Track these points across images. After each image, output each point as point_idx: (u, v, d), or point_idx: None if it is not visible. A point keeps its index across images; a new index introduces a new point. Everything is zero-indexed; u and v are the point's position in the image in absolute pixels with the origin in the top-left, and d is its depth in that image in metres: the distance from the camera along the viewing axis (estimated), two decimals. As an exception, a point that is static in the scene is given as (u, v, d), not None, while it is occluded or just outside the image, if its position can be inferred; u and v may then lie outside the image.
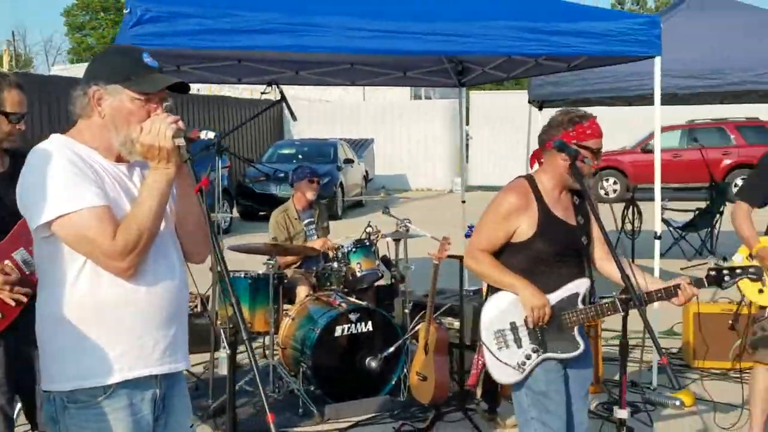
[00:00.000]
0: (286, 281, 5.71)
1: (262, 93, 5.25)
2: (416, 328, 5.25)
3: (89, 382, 2.16)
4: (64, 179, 2.11)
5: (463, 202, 8.04)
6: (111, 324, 2.17)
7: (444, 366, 4.76)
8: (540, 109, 8.42)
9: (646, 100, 8.00)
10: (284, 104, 5.18)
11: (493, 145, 21.82)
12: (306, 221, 6.23)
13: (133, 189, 2.26)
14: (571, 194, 3.16)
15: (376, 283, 6.12)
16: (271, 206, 7.25)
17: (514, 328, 3.08)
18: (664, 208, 9.08)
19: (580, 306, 3.06)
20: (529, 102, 8.10)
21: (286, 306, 5.68)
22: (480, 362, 3.27)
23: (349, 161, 17.50)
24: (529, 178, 3.15)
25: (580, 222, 3.13)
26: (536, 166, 3.21)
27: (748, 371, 5.51)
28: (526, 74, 6.86)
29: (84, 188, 2.12)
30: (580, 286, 3.08)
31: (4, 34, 64.63)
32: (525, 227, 3.05)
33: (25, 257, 3.02)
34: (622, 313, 2.82)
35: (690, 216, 10.13)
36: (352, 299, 5.43)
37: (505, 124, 21.61)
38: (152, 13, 4.26)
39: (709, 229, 9.96)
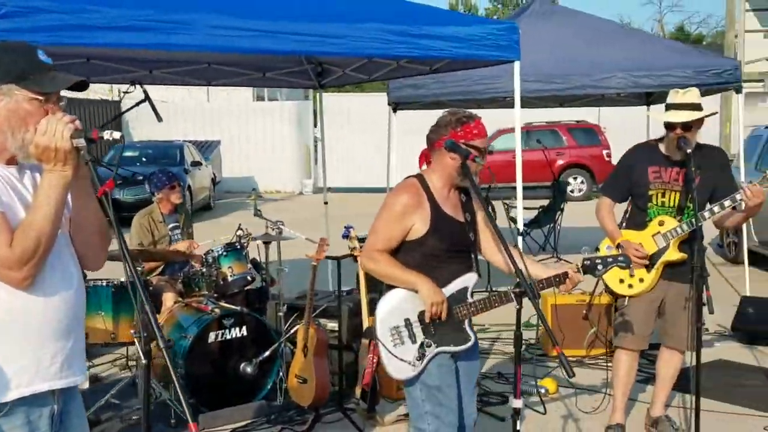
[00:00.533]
0: (151, 288, 5.49)
1: (124, 93, 5.00)
2: (292, 331, 5.22)
3: None
4: None
5: (326, 203, 8.07)
6: (7, 338, 2.03)
7: (324, 367, 4.76)
8: (395, 111, 8.62)
9: (496, 102, 8.40)
10: (149, 104, 4.98)
11: (352, 147, 22.04)
12: (171, 225, 6.02)
13: (25, 193, 2.13)
14: (459, 192, 3.26)
15: (246, 288, 6.01)
16: (116, 212, 6.91)
17: (408, 324, 3.14)
18: (510, 207, 9.53)
19: (470, 299, 3.16)
20: (388, 104, 8.25)
21: (151, 314, 5.46)
22: (374, 361, 3.30)
23: (196, 164, 17.04)
24: (419, 177, 3.23)
25: (467, 219, 3.24)
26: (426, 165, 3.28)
27: (602, 357, 5.94)
28: (388, 76, 6.98)
29: None
30: (468, 280, 3.19)
31: None
32: (419, 225, 3.12)
33: None
34: (517, 306, 2.94)
35: (533, 213, 10.70)
36: (225, 304, 5.31)
37: (366, 126, 21.92)
38: (8, 8, 3.96)
39: (552, 226, 10.56)
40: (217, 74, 7.32)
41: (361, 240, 5.34)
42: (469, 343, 3.19)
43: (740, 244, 8.80)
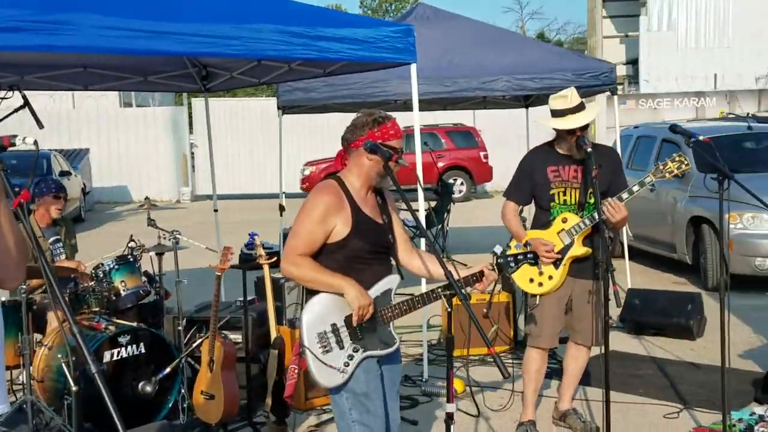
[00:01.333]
0: (34, 308, 5.10)
1: (2, 98, 4.63)
2: (194, 345, 4.99)
3: None
4: None
5: (216, 210, 7.82)
6: None
7: (233, 381, 4.58)
8: (282, 114, 8.49)
9: (386, 105, 8.42)
10: (29, 111, 4.62)
11: (237, 153, 21.58)
12: (51, 239, 5.63)
13: None
14: (375, 194, 3.21)
15: (140, 302, 5.71)
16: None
17: (335, 329, 3.05)
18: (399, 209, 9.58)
19: (393, 302, 3.11)
20: (278, 107, 8.09)
21: (36, 335, 5.09)
22: (296, 371, 3.20)
23: (65, 173, 16.15)
24: (338, 179, 3.16)
25: (384, 220, 3.20)
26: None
27: (504, 354, 6.05)
28: (279, 80, 6.83)
29: None
30: (392, 282, 3.14)
31: None
32: (340, 227, 3.05)
33: None
34: (448, 308, 2.91)
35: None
36: (119, 320, 5.01)
37: (252, 131, 21.53)
38: None
39: (440, 227, 10.70)
40: (93, 79, 6.93)
41: (267, 248, 5.20)
42: (395, 346, 3.14)
43: (615, 240, 9.23)
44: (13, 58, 5.65)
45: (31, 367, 4.74)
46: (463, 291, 2.88)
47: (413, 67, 5.46)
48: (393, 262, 3.27)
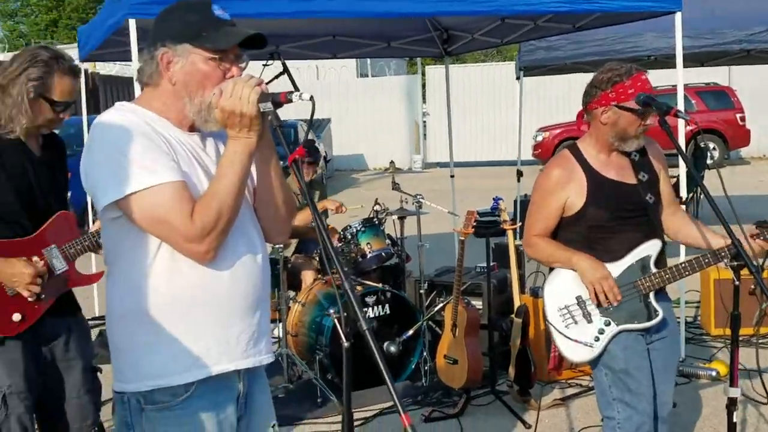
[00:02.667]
0: (289, 266, 5.38)
1: (264, 65, 4.84)
2: (436, 309, 5.00)
3: (168, 381, 1.88)
4: (135, 152, 1.80)
5: (452, 176, 7.80)
6: (191, 315, 1.88)
7: (476, 348, 4.51)
8: (520, 78, 8.20)
9: (638, 63, 7.84)
10: (288, 77, 4.80)
11: (469, 119, 21.68)
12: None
13: (209, 162, 1.96)
14: (627, 153, 2.92)
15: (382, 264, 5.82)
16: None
17: (581, 302, 2.84)
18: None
19: (653, 270, 2.83)
20: (519, 69, 7.84)
21: (290, 292, 5.38)
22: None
23: (310, 142, 17.06)
24: (572, 147, 2.94)
25: (642, 179, 2.88)
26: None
27: (770, 336, 5.45)
28: (522, 38, 6.59)
29: (157, 162, 1.81)
30: (650, 248, 2.84)
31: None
32: (574, 198, 2.83)
33: (55, 255, 2.72)
34: (736, 282, 2.59)
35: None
36: (366, 281, 5.13)
37: (487, 97, 21.47)
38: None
39: (693, 195, 9.91)
40: (341, 46, 7.14)
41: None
42: (657, 319, 2.84)
43: None
44: (273, 28, 5.92)
45: (286, 322, 5.02)
46: (754, 262, 2.53)
47: (678, 17, 4.93)
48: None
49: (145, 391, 1.88)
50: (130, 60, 4.55)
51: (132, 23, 4.26)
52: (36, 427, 2.84)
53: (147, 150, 1.82)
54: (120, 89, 18.33)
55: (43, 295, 2.68)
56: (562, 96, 19.68)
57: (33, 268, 2.64)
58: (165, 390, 1.88)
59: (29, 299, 2.65)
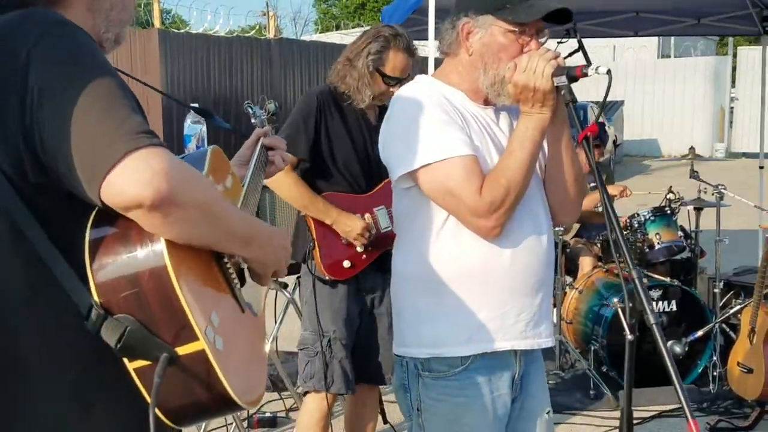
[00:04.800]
0: (567, 250, 5.24)
1: (558, 42, 4.73)
2: (731, 311, 4.57)
3: (446, 351, 1.91)
4: (430, 125, 1.85)
5: (761, 167, 7.03)
6: (472, 288, 1.89)
7: (776, 359, 4.05)
8: None
9: None
10: (583, 55, 4.64)
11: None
12: (591, 184, 5.72)
13: (501, 137, 1.95)
14: None
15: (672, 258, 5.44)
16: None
17: None
18: None
19: None
20: None
21: (567, 277, 5.24)
22: None
23: (601, 125, 16.48)
24: None
25: None
26: None
27: None
28: None
29: (452, 135, 1.84)
30: None
31: (260, 5, 69.28)
32: None
33: (383, 215, 2.98)
34: None
35: None
36: (652, 274, 4.83)
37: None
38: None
39: None
40: (644, 24, 6.74)
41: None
42: None
43: None
44: (570, 3, 5.76)
45: (561, 308, 4.90)
46: None
47: None
48: None
49: (423, 358, 1.92)
50: (427, 38, 4.68)
51: (431, 2, 4.37)
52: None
53: (441, 123, 1.84)
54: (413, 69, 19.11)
55: (370, 248, 2.95)
56: None
57: (364, 222, 2.93)
58: (442, 360, 1.91)
59: (358, 249, 2.94)
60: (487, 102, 1.95)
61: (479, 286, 1.89)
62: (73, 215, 1.16)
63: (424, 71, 4.34)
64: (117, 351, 1.12)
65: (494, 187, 1.81)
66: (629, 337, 1.71)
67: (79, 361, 1.20)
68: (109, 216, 1.14)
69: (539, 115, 1.82)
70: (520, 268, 1.90)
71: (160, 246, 1.14)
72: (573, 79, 1.79)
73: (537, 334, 1.96)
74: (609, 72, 1.75)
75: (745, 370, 4.11)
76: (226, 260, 1.27)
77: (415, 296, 1.94)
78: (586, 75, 1.79)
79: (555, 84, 1.79)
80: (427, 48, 4.85)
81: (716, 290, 4.71)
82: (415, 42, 3.06)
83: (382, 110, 2.97)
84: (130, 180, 1.08)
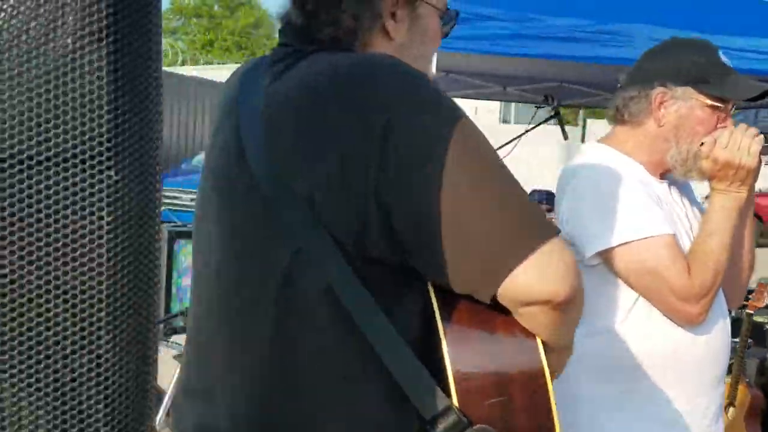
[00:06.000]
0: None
1: (537, 107, 4.86)
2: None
3: None
4: (625, 200, 1.73)
5: None
6: (662, 379, 1.76)
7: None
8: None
9: None
10: (558, 123, 4.79)
11: None
12: None
13: (681, 214, 1.86)
14: None
15: None
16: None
17: None
18: None
19: None
20: None
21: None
22: None
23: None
24: None
25: None
26: None
27: None
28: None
29: (652, 212, 1.73)
30: None
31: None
32: None
33: None
34: None
35: None
36: None
37: None
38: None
39: None
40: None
41: None
42: None
43: None
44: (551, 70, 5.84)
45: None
46: None
47: None
48: None
49: None
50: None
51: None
52: None
53: (641, 198, 1.74)
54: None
55: None
56: None
57: None
58: None
59: None
60: (662, 176, 1.86)
61: (670, 375, 1.75)
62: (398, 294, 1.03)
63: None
64: None
65: (703, 270, 1.70)
66: None
67: None
68: (454, 305, 1.01)
69: (737, 194, 1.74)
70: (712, 357, 1.80)
71: (535, 344, 1.01)
72: None
73: (717, 429, 1.85)
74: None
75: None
76: None
77: (595, 379, 1.78)
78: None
79: (764, 163, 1.77)
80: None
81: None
82: None
83: None
84: (544, 274, 1.00)
